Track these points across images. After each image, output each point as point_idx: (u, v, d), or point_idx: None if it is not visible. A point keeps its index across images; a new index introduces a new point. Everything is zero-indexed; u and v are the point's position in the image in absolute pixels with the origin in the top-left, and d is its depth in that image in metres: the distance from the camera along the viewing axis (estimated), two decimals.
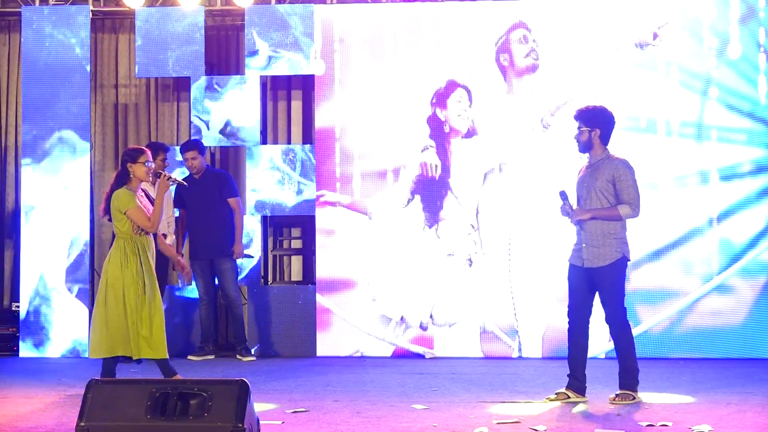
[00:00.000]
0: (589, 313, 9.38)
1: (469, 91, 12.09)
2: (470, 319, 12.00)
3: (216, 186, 12.19)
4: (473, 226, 12.00)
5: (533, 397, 9.44)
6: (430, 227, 12.08)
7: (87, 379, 6.88)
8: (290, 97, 13.47)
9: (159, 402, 6.64)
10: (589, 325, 9.33)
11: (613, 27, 11.97)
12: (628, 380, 9.24)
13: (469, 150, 12.04)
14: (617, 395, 9.20)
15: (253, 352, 12.22)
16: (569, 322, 9.42)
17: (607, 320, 9.32)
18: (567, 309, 9.44)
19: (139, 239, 9.60)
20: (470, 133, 12.06)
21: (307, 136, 13.18)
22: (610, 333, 9.36)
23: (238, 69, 13.32)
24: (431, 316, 12.05)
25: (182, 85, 13.51)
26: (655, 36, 11.89)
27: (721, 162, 11.79)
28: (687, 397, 9.41)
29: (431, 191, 12.08)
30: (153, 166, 9.71)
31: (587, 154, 9.39)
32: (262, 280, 12.71)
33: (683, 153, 11.81)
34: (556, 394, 9.35)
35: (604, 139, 9.32)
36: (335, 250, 12.21)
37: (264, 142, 12.83)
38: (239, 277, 12.35)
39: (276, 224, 13.23)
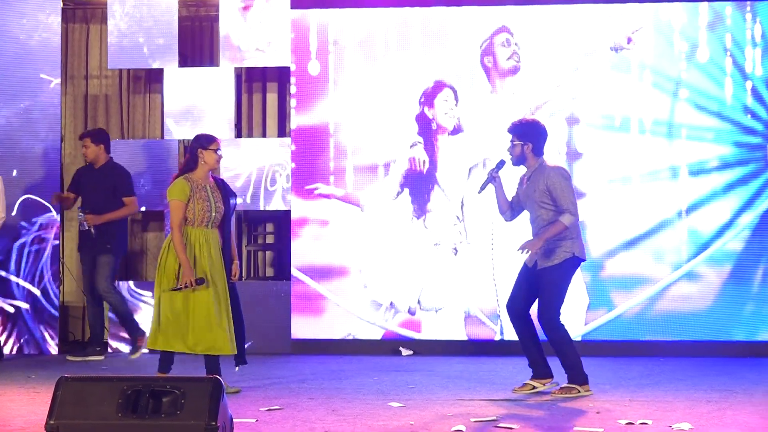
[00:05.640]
0: (529, 306, 8.34)
1: (455, 91, 11.12)
2: (455, 304, 10.97)
3: (110, 181, 10.69)
4: (458, 218, 11.02)
5: (511, 395, 8.14)
6: (418, 218, 11.08)
7: (56, 377, 5.64)
8: (265, 90, 12.07)
9: (131, 400, 5.48)
10: (530, 315, 8.37)
11: (589, 32, 11.02)
12: (576, 375, 8.12)
13: (455, 146, 11.06)
14: (561, 388, 8.09)
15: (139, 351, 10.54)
16: (510, 317, 8.38)
17: (539, 318, 8.20)
18: (507, 302, 8.41)
19: (192, 230, 8.18)
20: (456, 131, 11.09)
21: (283, 130, 11.90)
22: (543, 332, 8.23)
23: (212, 60, 11.90)
24: (419, 302, 11.01)
25: (155, 76, 11.92)
26: (629, 40, 10.95)
27: (690, 158, 10.88)
28: (667, 394, 8.10)
29: (419, 184, 11.09)
30: (222, 155, 8.53)
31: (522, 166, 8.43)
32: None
33: (655, 150, 10.90)
34: (523, 384, 8.23)
35: (537, 151, 8.34)
36: (329, 239, 11.16)
37: (239, 135, 11.66)
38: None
39: (249, 219, 11.91)
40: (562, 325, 8.24)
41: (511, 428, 6.72)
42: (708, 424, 6.87)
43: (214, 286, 8.20)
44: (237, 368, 8.60)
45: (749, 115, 10.87)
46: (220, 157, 8.39)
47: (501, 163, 8.52)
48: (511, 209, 8.59)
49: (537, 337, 8.38)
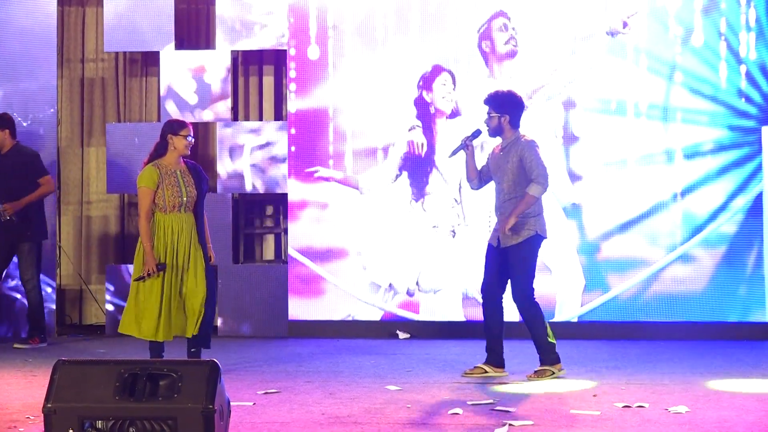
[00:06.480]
0: (503, 291, 8.13)
1: (453, 75, 10.96)
2: (453, 285, 10.83)
3: (20, 165, 10.30)
4: (456, 200, 10.88)
5: (507, 378, 7.94)
6: (416, 201, 10.94)
7: (54, 360, 5.45)
8: (261, 73, 11.80)
9: (128, 383, 5.30)
10: (503, 301, 8.17)
11: (586, 16, 10.86)
12: (547, 356, 7.91)
13: (453, 130, 10.85)
14: (535, 372, 7.88)
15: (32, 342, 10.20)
16: (483, 300, 8.15)
17: (514, 298, 7.98)
18: (480, 286, 8.24)
19: (164, 216, 7.97)
20: (454, 114, 10.95)
21: (279, 113, 11.67)
22: (519, 312, 8.06)
23: (208, 43, 11.64)
24: (417, 283, 10.88)
25: (151, 59, 11.66)
26: (625, 25, 10.78)
27: (685, 141, 10.72)
28: (663, 377, 7.90)
29: (418, 168, 10.94)
30: (193, 140, 8.26)
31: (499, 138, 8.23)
32: (233, 260, 11.19)
33: (650, 133, 10.75)
34: (474, 367, 8.02)
35: (514, 122, 8.13)
36: (329, 222, 11.01)
37: (235, 118, 11.43)
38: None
39: (247, 203, 11.64)
40: (537, 303, 8.07)
41: (507, 411, 6.55)
42: (704, 407, 6.69)
43: (186, 272, 8.05)
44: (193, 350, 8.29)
45: (743, 99, 10.72)
46: (190, 143, 8.17)
47: (477, 132, 8.35)
48: (479, 179, 8.42)
49: (503, 326, 8.17)
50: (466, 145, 8.33)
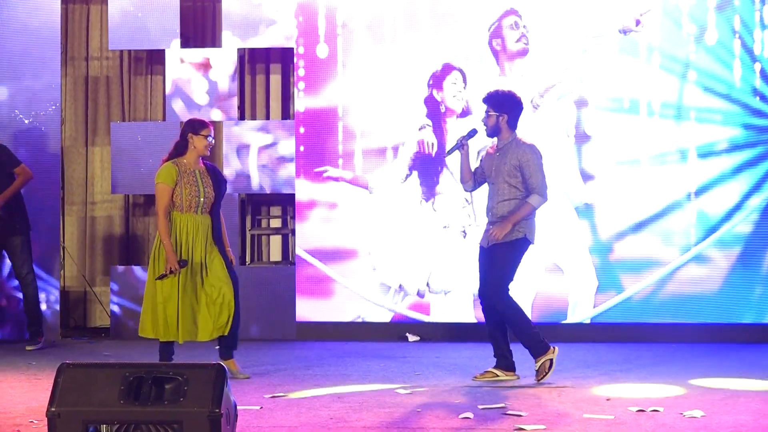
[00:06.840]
0: None
1: (463, 74, 10.87)
2: (464, 286, 10.71)
3: None
4: (467, 200, 10.76)
5: (519, 382, 7.80)
6: (426, 201, 10.86)
7: (58, 363, 5.35)
8: (269, 71, 11.70)
9: (133, 386, 5.21)
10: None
11: (598, 14, 10.77)
12: (537, 348, 7.77)
13: (464, 129, 10.68)
14: (537, 372, 7.75)
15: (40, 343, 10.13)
16: (482, 304, 7.99)
17: (487, 293, 7.87)
18: (478, 290, 8.07)
19: (181, 216, 7.91)
20: (464, 113, 10.86)
21: (286, 112, 11.59)
22: (498, 310, 7.88)
23: (214, 41, 11.51)
24: (428, 284, 10.78)
25: (156, 57, 11.56)
26: (638, 23, 10.69)
27: (699, 140, 10.63)
28: (678, 382, 7.76)
29: (428, 167, 10.84)
30: (213, 141, 8.16)
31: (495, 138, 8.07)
32: (240, 261, 11.07)
33: (664, 132, 10.65)
34: (485, 371, 7.86)
35: (512, 123, 7.98)
36: (338, 222, 10.94)
37: (242, 117, 11.36)
38: None
39: (254, 203, 11.55)
40: (514, 301, 7.92)
41: (519, 415, 6.43)
42: (720, 411, 6.56)
43: (203, 272, 7.97)
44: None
45: (758, 98, 10.65)
46: (210, 143, 8.08)
47: (473, 132, 8.18)
48: (473, 180, 8.30)
49: (506, 329, 8.01)
50: (462, 145, 8.20)
